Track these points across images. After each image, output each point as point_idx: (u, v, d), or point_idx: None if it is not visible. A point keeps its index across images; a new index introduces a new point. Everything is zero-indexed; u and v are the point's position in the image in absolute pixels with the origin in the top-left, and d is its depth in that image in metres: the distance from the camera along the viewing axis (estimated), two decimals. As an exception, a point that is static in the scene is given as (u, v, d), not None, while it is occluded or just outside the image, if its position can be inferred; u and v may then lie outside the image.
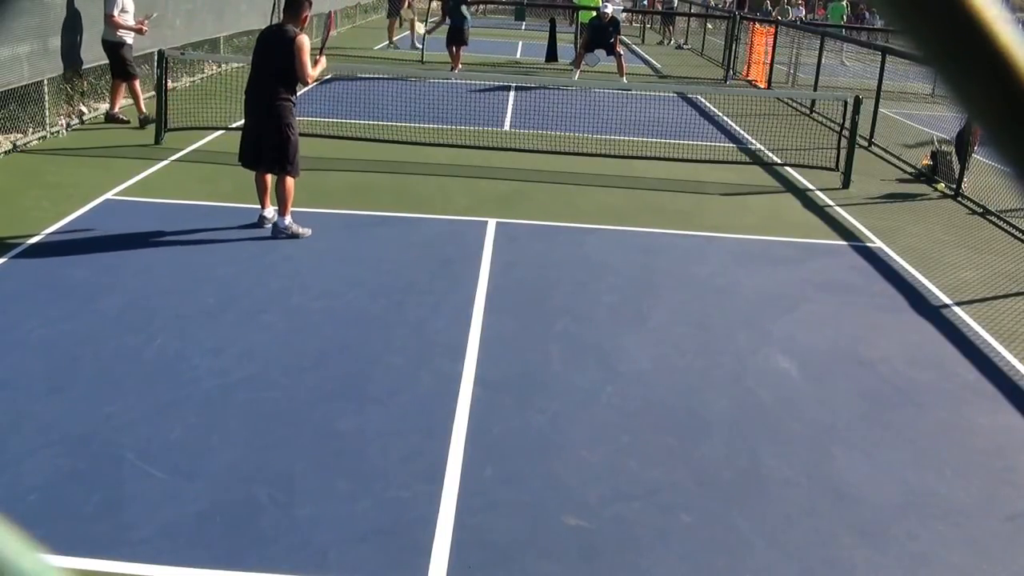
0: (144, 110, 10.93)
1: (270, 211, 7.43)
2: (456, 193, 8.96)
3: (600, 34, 16.86)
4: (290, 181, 7.19)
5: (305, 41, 7.02)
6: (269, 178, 7.33)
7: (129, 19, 10.51)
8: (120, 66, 10.63)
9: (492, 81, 15.72)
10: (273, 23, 7.48)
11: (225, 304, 5.94)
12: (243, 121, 7.41)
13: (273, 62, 7.05)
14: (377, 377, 5.09)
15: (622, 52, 17.30)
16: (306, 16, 7.20)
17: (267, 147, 7.12)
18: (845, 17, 25.57)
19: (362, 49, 20.57)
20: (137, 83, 10.86)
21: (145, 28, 10.65)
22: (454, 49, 16.92)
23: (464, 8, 17.08)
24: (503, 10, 34.12)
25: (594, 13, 17.11)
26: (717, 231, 8.24)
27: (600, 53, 17.01)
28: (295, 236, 7.23)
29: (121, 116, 10.96)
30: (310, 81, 7.16)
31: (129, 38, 10.57)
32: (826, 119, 14.05)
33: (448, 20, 17.20)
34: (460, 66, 16.79)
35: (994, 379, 5.65)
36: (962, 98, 0.38)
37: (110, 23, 10.33)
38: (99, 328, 5.47)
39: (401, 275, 6.66)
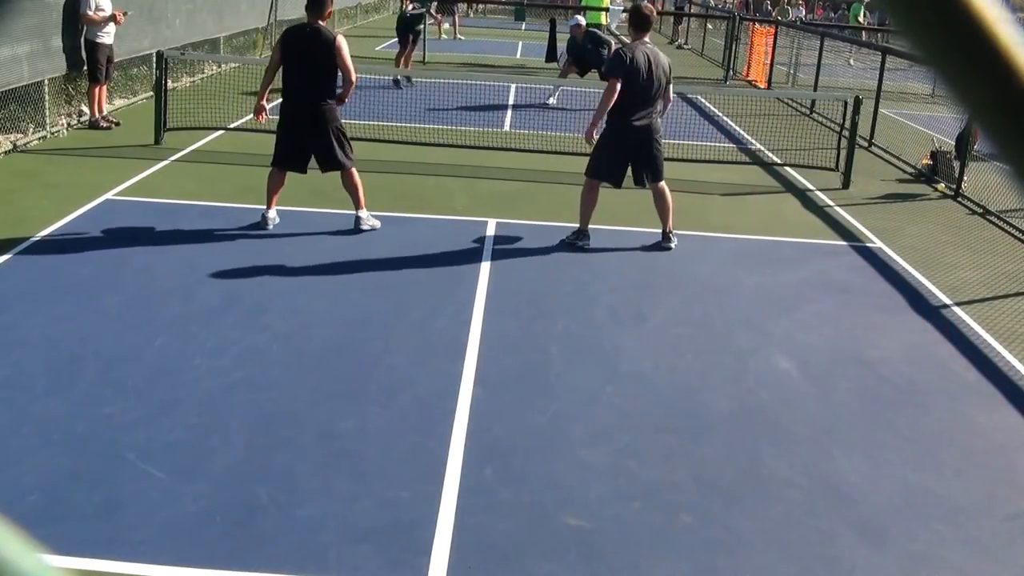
0: (97, 115, 10.65)
1: (273, 212, 7.47)
2: (456, 193, 8.96)
3: (581, 53, 14.07)
4: (355, 173, 7.35)
5: (345, 41, 7.09)
6: (284, 183, 7.41)
7: (106, 16, 10.32)
8: (90, 67, 10.41)
9: (492, 81, 15.71)
10: (298, 24, 7.29)
11: (225, 304, 5.94)
12: (280, 126, 7.27)
13: (314, 65, 7.03)
14: (377, 377, 5.09)
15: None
16: (330, 12, 7.24)
17: (322, 151, 7.22)
18: (862, 17, 25.37)
19: (362, 49, 20.56)
20: (98, 89, 10.59)
21: (121, 19, 10.42)
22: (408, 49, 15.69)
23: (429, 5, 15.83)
24: (503, 10, 34.13)
25: (602, 14, 16.73)
26: (717, 231, 8.23)
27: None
28: (373, 228, 7.49)
29: (103, 124, 10.65)
30: (355, 81, 7.20)
31: (108, 38, 10.43)
32: (826, 119, 14.05)
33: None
34: (407, 65, 15.68)
35: (994, 379, 5.65)
36: (962, 98, 0.38)
37: (85, 21, 10.19)
38: (99, 328, 5.47)
39: (401, 275, 6.66)
